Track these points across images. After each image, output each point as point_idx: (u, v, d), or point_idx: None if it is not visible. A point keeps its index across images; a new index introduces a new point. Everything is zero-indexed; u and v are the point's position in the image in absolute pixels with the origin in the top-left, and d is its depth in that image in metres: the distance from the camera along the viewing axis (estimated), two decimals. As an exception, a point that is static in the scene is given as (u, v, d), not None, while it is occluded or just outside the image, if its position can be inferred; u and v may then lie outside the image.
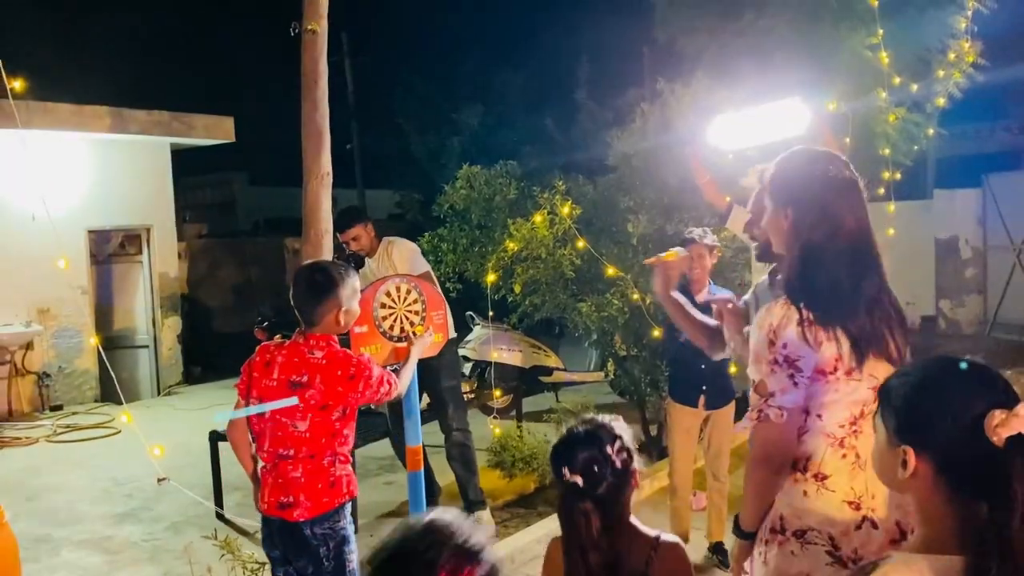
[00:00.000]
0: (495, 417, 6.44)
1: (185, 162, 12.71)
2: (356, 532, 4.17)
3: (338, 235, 5.06)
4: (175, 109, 10.36)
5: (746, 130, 5.21)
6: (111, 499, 6.05)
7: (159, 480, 4.10)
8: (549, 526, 4.96)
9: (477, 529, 1.46)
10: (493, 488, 5.71)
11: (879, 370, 1.99)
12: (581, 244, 6.18)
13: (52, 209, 9.44)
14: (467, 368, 8.06)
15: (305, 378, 2.87)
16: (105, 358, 5.59)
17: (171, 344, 10.87)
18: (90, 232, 10.01)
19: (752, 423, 2.04)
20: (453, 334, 5.35)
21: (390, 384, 3.06)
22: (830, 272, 2.01)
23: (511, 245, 6.02)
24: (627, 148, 6.21)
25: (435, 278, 5.25)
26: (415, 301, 3.73)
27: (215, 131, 10.66)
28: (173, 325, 10.93)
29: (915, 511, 1.39)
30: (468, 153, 13.14)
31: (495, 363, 7.95)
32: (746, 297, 2.88)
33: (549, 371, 8.40)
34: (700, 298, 4.60)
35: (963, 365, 1.34)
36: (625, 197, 6.20)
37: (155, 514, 5.70)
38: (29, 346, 9.23)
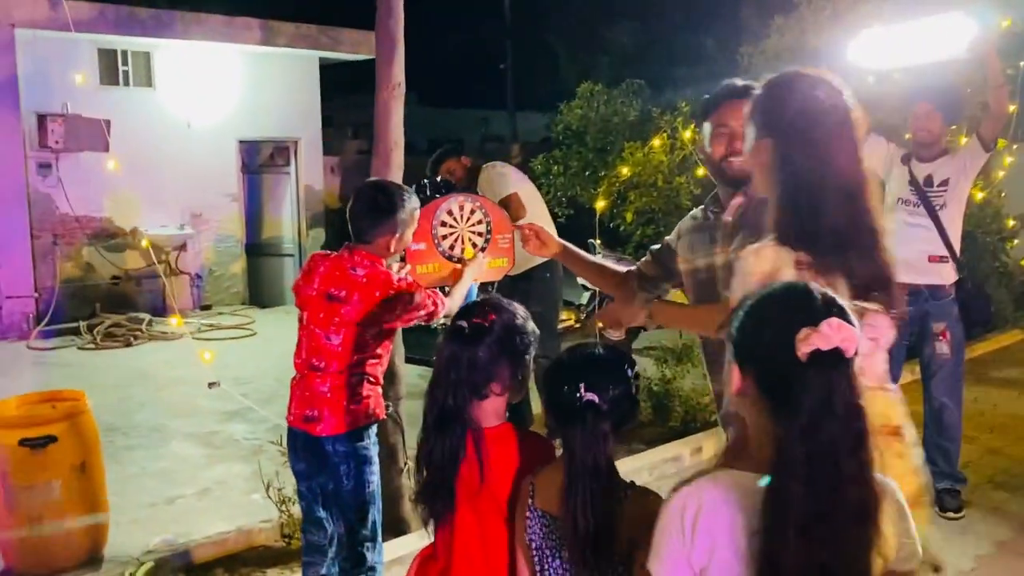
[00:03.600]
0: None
1: (356, 77, 12.98)
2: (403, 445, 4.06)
3: (432, 175, 5.01)
4: (345, 24, 10.54)
5: (895, 48, 4.59)
6: (227, 397, 6.34)
7: (210, 385, 4.26)
8: (634, 464, 4.76)
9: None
10: (586, 420, 5.53)
11: (879, 320, 1.76)
12: (701, 172, 5.76)
13: (205, 119, 9.97)
14: (585, 297, 7.83)
15: (343, 293, 2.81)
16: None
17: (315, 254, 11.29)
18: (241, 142, 10.45)
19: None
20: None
21: (435, 305, 2.94)
22: (824, 214, 1.75)
23: (624, 170, 5.68)
24: (758, 67, 5.66)
25: (532, 200, 5.02)
26: (479, 222, 3.53)
27: (361, 46, 10.73)
28: (318, 236, 11.33)
29: (749, 430, 1.42)
30: (618, 74, 12.63)
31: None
32: (668, 237, 2.67)
33: (673, 305, 8.01)
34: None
35: (786, 288, 1.42)
36: (753, 122, 5.68)
37: (261, 415, 5.93)
38: (183, 248, 9.83)
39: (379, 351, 2.92)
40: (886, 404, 1.85)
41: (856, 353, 1.31)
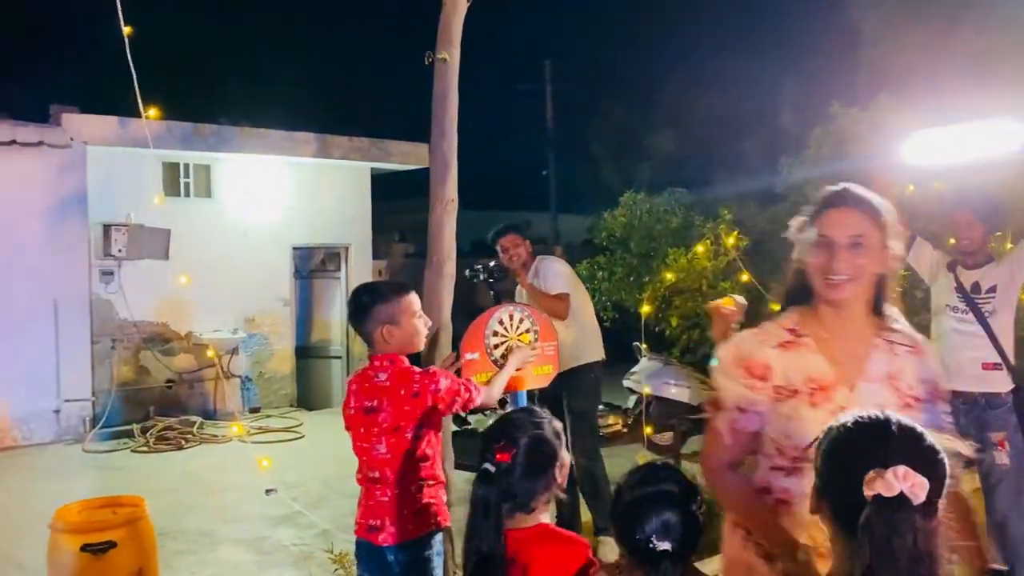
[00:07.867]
0: (647, 450, 6.19)
1: (404, 183, 13.47)
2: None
3: (495, 247, 5.10)
4: (389, 135, 11.01)
5: (948, 146, 4.64)
6: (276, 501, 6.39)
7: (267, 491, 4.32)
8: None
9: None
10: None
11: None
12: (746, 277, 5.83)
13: (261, 227, 10.36)
14: (632, 401, 7.79)
15: (375, 403, 2.87)
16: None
17: (362, 356, 11.43)
18: (295, 249, 10.80)
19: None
20: (599, 356, 5.16)
21: (470, 391, 2.98)
22: None
23: (668, 276, 5.78)
24: (798, 176, 5.79)
25: (580, 301, 5.10)
26: (527, 331, 3.65)
27: (410, 157, 11.18)
28: (365, 339, 11.51)
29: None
30: (658, 179, 12.94)
31: (662, 398, 7.62)
32: None
33: (720, 409, 7.92)
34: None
35: (869, 420, 1.43)
36: (795, 229, 5.77)
37: (310, 520, 5.95)
38: (235, 351, 10.05)
39: (427, 450, 2.91)
40: None
41: (929, 500, 1.30)
